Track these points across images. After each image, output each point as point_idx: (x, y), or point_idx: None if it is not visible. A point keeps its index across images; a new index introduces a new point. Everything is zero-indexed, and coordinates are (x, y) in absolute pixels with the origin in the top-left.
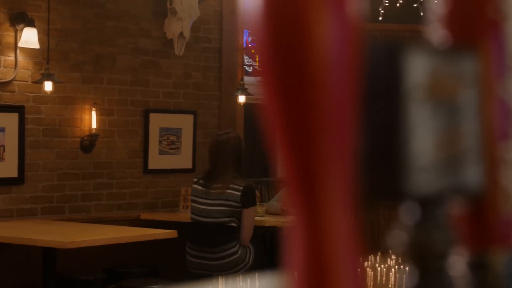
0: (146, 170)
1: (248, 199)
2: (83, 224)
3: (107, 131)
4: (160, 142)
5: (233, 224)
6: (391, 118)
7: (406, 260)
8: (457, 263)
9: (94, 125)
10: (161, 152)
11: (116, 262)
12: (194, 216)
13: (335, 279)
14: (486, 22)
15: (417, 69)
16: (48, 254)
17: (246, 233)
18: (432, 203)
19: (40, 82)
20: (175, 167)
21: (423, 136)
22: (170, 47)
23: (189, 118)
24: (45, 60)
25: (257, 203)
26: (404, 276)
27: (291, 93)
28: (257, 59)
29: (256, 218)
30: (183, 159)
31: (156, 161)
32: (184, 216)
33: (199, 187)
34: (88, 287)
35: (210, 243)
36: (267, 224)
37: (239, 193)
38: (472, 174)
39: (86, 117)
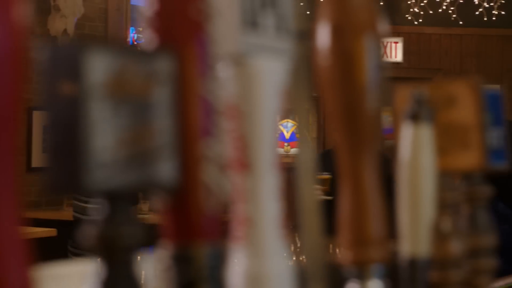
0: (29, 168)
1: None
2: None
3: None
4: (44, 140)
5: None
6: (72, 116)
7: (95, 253)
8: (161, 256)
9: None
10: (45, 150)
11: None
12: (76, 214)
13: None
14: (189, 22)
15: (98, 68)
16: None
17: None
18: (120, 198)
19: None
20: None
21: (104, 133)
22: None
23: None
24: None
25: (140, 201)
26: (94, 269)
27: None
28: None
29: (139, 215)
30: None
31: (40, 159)
32: (67, 214)
33: None
34: None
35: None
36: (150, 222)
37: None
38: (167, 170)
39: None
